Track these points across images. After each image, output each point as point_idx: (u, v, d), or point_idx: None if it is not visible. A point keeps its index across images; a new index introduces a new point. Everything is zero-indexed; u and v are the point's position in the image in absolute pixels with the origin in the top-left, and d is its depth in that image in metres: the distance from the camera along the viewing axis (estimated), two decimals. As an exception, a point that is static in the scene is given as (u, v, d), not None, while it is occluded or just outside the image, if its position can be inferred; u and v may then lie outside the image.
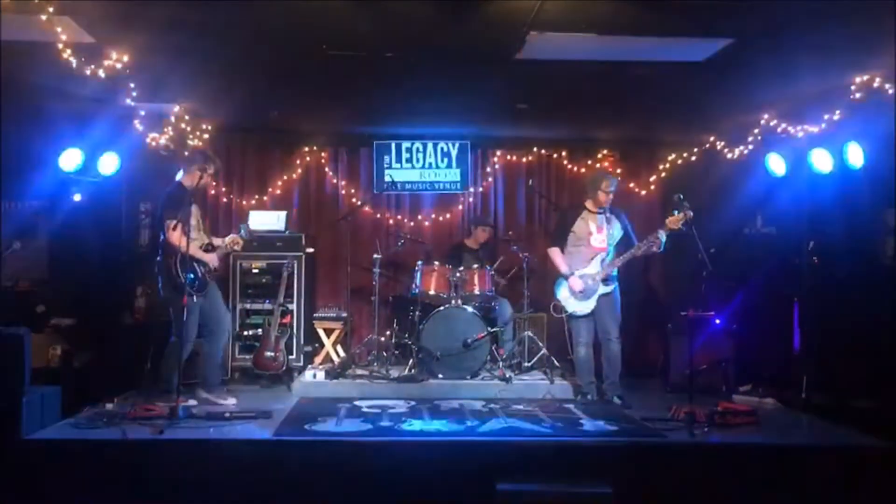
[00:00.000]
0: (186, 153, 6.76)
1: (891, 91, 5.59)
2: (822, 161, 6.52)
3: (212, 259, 6.06)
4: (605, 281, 6.24)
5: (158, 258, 5.92)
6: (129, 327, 7.21)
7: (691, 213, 5.83)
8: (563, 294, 6.38)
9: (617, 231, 6.35)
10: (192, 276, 5.78)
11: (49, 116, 6.22)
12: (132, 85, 5.78)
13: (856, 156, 6.21)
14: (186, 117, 6.96)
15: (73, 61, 5.07)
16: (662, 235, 6.03)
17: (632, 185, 8.37)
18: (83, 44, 4.99)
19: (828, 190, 6.63)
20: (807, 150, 6.63)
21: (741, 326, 7.05)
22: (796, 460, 4.89)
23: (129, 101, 6.02)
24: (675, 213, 5.90)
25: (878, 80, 5.62)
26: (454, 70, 5.78)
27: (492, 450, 4.92)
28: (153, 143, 6.96)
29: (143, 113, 6.47)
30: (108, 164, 6.62)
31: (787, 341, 6.70)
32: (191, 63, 5.62)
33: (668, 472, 4.80)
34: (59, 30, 4.70)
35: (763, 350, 6.97)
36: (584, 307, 6.29)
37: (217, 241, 6.27)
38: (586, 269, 6.28)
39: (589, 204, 6.41)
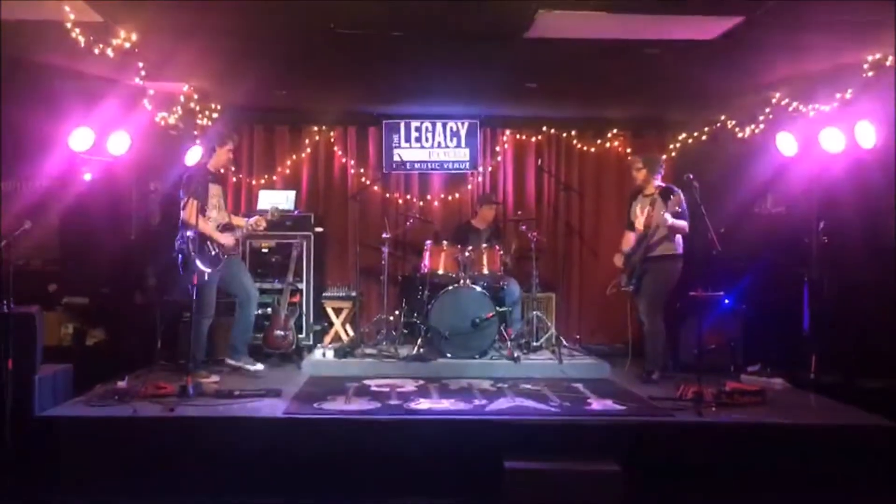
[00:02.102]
0: (203, 132, 6.79)
1: (903, 70, 5.54)
2: (832, 141, 6.46)
3: (226, 239, 6.12)
4: (644, 262, 6.36)
5: (176, 235, 6.03)
6: (140, 306, 7.26)
7: (681, 196, 6.05)
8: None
9: (660, 212, 6.30)
10: (204, 254, 5.87)
11: (58, 96, 6.22)
12: (140, 64, 5.78)
13: (867, 135, 6.16)
14: (195, 97, 6.96)
15: (82, 40, 5.07)
16: (667, 221, 6.14)
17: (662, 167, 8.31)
18: (91, 23, 4.98)
19: (839, 170, 6.59)
20: (818, 129, 6.58)
21: (750, 306, 7.04)
22: (804, 440, 4.90)
23: (137, 80, 6.02)
24: (672, 196, 6.12)
25: (890, 58, 5.56)
26: (463, 49, 5.75)
27: (500, 428, 4.95)
28: (163, 123, 6.97)
29: (151, 92, 6.47)
30: (118, 143, 6.62)
31: (795, 321, 6.69)
32: (199, 42, 5.59)
33: (675, 451, 4.82)
34: (66, 9, 4.70)
35: (771, 330, 6.95)
36: (629, 285, 6.51)
37: (239, 221, 6.36)
38: (629, 249, 6.52)
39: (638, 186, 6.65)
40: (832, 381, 6.06)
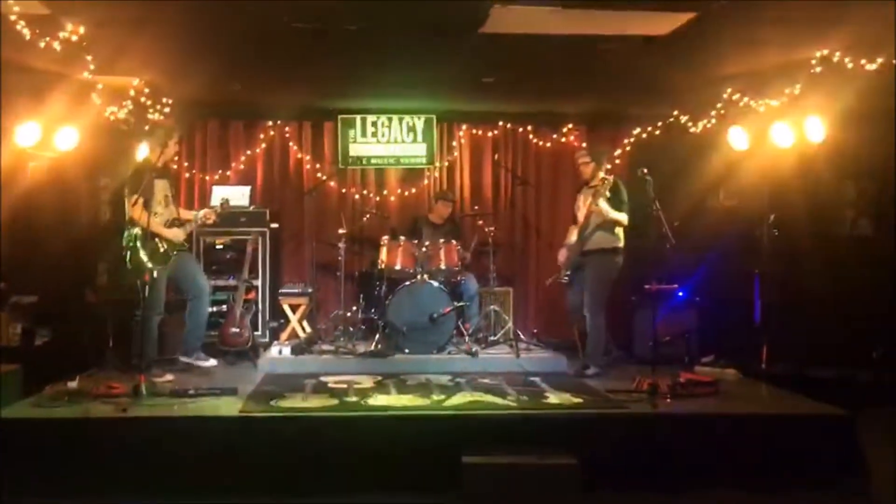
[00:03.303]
0: (147, 128, 6.66)
1: (850, 65, 5.65)
2: (782, 135, 6.59)
3: (174, 235, 6.04)
4: (582, 254, 6.36)
5: (124, 234, 5.91)
6: (91, 305, 7.11)
7: (609, 181, 6.12)
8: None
9: (601, 204, 6.27)
10: (152, 251, 5.81)
11: (4, 90, 6.05)
12: (89, 58, 5.65)
13: (815, 130, 6.29)
14: (146, 91, 6.83)
15: (27, 33, 4.93)
16: (598, 210, 6.17)
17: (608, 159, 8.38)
18: (37, 15, 4.85)
19: (788, 163, 6.72)
20: (768, 124, 6.70)
21: (704, 299, 7.16)
22: (757, 429, 4.99)
23: (86, 74, 5.89)
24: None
25: (837, 54, 5.68)
26: (418, 43, 5.72)
27: (458, 423, 4.95)
28: (112, 118, 6.83)
29: (100, 86, 6.33)
30: (67, 138, 6.47)
31: (748, 313, 6.82)
32: (149, 36, 5.48)
33: (631, 443, 4.87)
34: (10, 1, 4.56)
35: (725, 322, 7.08)
36: (566, 277, 6.53)
37: (188, 215, 6.29)
38: (570, 241, 6.52)
39: (582, 179, 6.64)
40: (783, 371, 6.19)
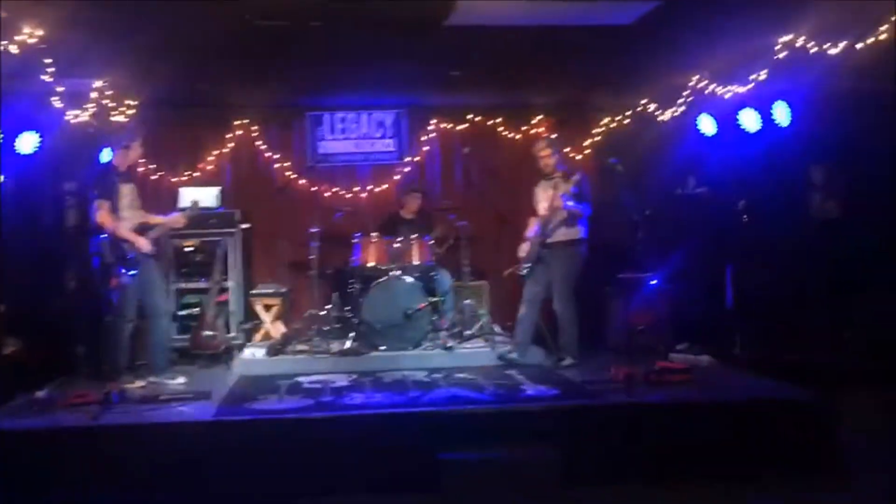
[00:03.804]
0: (111, 131, 6.55)
1: (813, 50, 5.69)
2: (749, 120, 6.64)
3: (140, 241, 5.89)
4: (544, 246, 6.29)
5: (91, 240, 5.83)
6: (59, 312, 6.99)
7: (577, 177, 6.05)
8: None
9: (568, 201, 6.26)
10: (120, 256, 5.69)
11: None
12: (48, 61, 5.54)
13: (782, 115, 6.34)
14: (109, 93, 6.71)
15: (-18, 37, 4.84)
16: (563, 204, 6.13)
17: (567, 149, 8.38)
18: (-8, 18, 4.75)
19: (756, 149, 6.77)
20: (736, 110, 6.74)
21: (676, 286, 7.18)
22: (730, 414, 5.02)
23: (45, 77, 5.77)
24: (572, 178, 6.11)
25: (801, 39, 5.72)
26: (382, 37, 5.69)
27: (435, 420, 4.91)
28: (74, 121, 6.71)
29: (61, 89, 6.21)
30: (28, 143, 6.35)
31: (720, 299, 6.86)
32: (110, 37, 5.40)
33: (610, 433, 4.87)
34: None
35: (698, 309, 7.11)
36: (523, 268, 6.43)
37: (156, 220, 6.14)
38: (532, 234, 6.42)
39: (540, 171, 6.52)
40: (756, 357, 6.23)
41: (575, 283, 6.37)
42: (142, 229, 5.99)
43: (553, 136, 7.20)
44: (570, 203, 6.12)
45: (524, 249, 6.47)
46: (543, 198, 6.40)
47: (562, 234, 6.29)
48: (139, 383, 5.86)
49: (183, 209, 6.43)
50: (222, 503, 4.52)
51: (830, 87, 5.90)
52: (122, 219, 5.85)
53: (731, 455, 4.85)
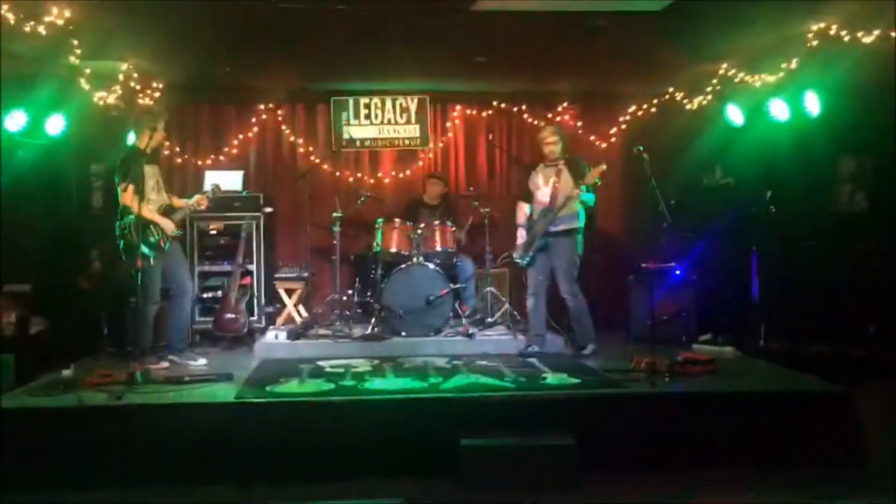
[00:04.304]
0: (136, 113, 6.58)
1: (847, 38, 5.59)
2: (779, 110, 6.54)
3: (166, 223, 5.95)
4: (546, 235, 6.22)
5: (116, 222, 5.87)
6: (84, 292, 7.06)
7: (604, 167, 5.97)
8: (518, 245, 6.45)
9: (567, 183, 6.21)
10: (146, 238, 5.73)
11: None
12: (76, 42, 5.57)
13: (812, 104, 6.24)
14: (135, 75, 6.75)
15: (11, 17, 4.85)
16: (581, 193, 6.05)
17: (592, 137, 8.34)
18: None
19: (785, 139, 6.67)
20: (764, 99, 6.64)
21: (701, 277, 7.12)
22: (754, 406, 4.97)
23: (73, 59, 5.80)
24: (589, 169, 6.00)
25: (834, 27, 5.62)
26: (410, 22, 5.66)
27: (455, 405, 4.91)
28: (101, 103, 6.75)
29: (88, 71, 6.25)
30: (55, 125, 6.40)
31: (745, 290, 6.79)
32: (137, 19, 5.42)
33: (630, 423, 4.84)
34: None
35: (722, 300, 7.05)
36: (524, 259, 6.36)
37: (179, 202, 6.20)
38: (527, 221, 6.38)
39: (542, 158, 6.41)
40: (781, 349, 6.17)
41: (578, 269, 6.33)
42: (166, 212, 6.04)
43: (558, 123, 7.14)
44: (589, 193, 6.08)
45: (522, 235, 6.42)
46: (544, 184, 6.31)
47: (566, 222, 6.23)
48: (163, 364, 5.93)
49: (204, 191, 6.40)
50: (242, 483, 4.53)
51: (863, 77, 5.79)
52: (148, 201, 5.87)
53: (753, 447, 4.80)
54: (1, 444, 4.53)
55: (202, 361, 6.14)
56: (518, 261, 6.44)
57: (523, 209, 6.50)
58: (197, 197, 6.24)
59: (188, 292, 6.28)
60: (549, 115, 8.34)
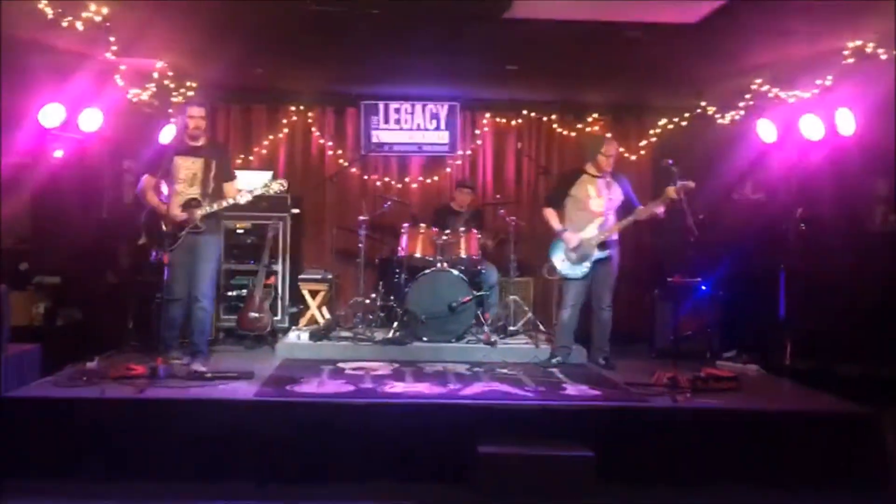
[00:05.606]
0: (170, 109, 6.66)
1: (883, 57, 5.52)
2: (812, 127, 6.46)
3: (166, 215, 5.68)
4: (602, 246, 6.16)
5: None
6: (113, 286, 7.15)
7: (692, 185, 5.79)
8: (558, 256, 6.29)
9: (617, 196, 6.24)
10: (159, 231, 5.71)
11: (27, 70, 6.07)
12: (112, 38, 5.65)
13: (846, 123, 6.16)
14: (170, 73, 6.83)
15: (49, 12, 4.94)
16: (662, 206, 6.02)
17: (622, 149, 8.28)
18: (60, -7, 4.88)
19: (818, 157, 6.59)
20: (798, 116, 6.57)
21: (727, 293, 7.04)
22: (777, 426, 4.90)
23: (109, 55, 5.89)
24: (678, 183, 5.78)
25: (870, 45, 5.54)
26: (442, 28, 5.67)
27: (474, 412, 4.89)
28: (135, 100, 6.84)
29: (123, 68, 6.34)
30: (90, 120, 6.49)
31: (772, 308, 6.70)
32: (172, 17, 5.48)
33: (649, 437, 4.80)
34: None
35: (748, 317, 6.96)
36: (577, 270, 6.20)
37: (231, 192, 5.90)
38: (583, 232, 6.19)
39: (589, 168, 6.29)
40: (807, 368, 6.08)
41: None
42: (189, 205, 5.75)
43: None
44: (662, 209, 6.04)
45: (574, 239, 6.17)
46: (597, 195, 6.20)
47: (614, 234, 6.23)
48: (186, 360, 5.88)
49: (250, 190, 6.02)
50: (258, 480, 4.55)
51: (899, 96, 5.71)
52: (178, 194, 5.76)
53: (775, 466, 4.74)
54: (25, 433, 4.60)
55: (197, 366, 5.74)
56: (568, 273, 6.24)
57: (554, 215, 6.35)
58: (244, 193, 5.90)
59: (197, 298, 5.86)
60: (579, 126, 8.33)
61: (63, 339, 6.21)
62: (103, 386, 5.02)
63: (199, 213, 5.76)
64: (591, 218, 6.20)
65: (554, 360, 6.32)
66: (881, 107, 5.90)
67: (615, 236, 6.26)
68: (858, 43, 5.58)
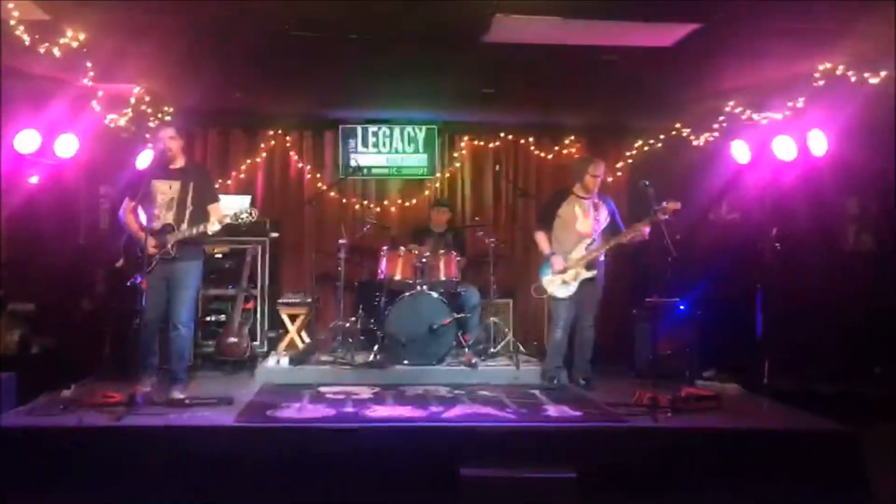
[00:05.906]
0: (147, 135, 6.63)
1: (853, 79, 5.62)
2: (785, 148, 6.56)
3: (149, 241, 5.54)
4: (589, 266, 6.22)
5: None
6: (88, 312, 7.08)
7: (678, 205, 5.90)
8: (546, 276, 6.33)
9: (604, 217, 6.33)
10: (135, 256, 5.63)
11: (2, 96, 6.02)
12: (89, 64, 5.64)
13: (818, 144, 6.26)
14: (147, 99, 6.81)
15: (26, 39, 4.92)
16: (648, 227, 6.07)
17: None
18: (37, 21, 4.84)
19: (791, 177, 6.69)
20: (770, 137, 6.67)
21: (705, 312, 7.08)
22: (758, 444, 4.93)
23: (86, 81, 5.87)
24: (662, 204, 5.92)
25: (840, 67, 5.65)
26: (420, 52, 5.71)
27: (455, 435, 4.89)
28: (112, 125, 6.81)
29: (100, 93, 6.31)
30: (66, 145, 6.45)
31: (749, 327, 6.75)
32: (150, 43, 5.48)
33: (631, 457, 4.80)
34: (10, 6, 4.55)
35: (726, 336, 7.00)
36: (565, 290, 6.26)
37: (216, 213, 5.79)
38: (571, 253, 6.26)
39: (577, 189, 6.38)
40: (785, 387, 6.13)
41: None
42: (163, 230, 5.64)
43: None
44: (648, 230, 6.09)
45: (559, 263, 6.25)
46: (584, 216, 6.28)
47: (600, 255, 6.29)
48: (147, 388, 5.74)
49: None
50: (240, 509, 4.52)
51: (869, 118, 5.81)
52: (157, 217, 5.68)
53: (756, 485, 4.75)
54: (0, 463, 4.52)
55: (177, 394, 5.65)
56: (556, 293, 6.29)
57: (544, 238, 6.42)
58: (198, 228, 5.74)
59: (176, 320, 5.73)
60: (556, 148, 8.40)
61: (38, 366, 6.11)
62: (80, 414, 4.95)
63: (171, 238, 5.65)
64: (579, 238, 6.27)
65: (556, 382, 6.33)
66: (852, 128, 6.01)
67: (602, 257, 6.32)
68: (828, 66, 5.69)
